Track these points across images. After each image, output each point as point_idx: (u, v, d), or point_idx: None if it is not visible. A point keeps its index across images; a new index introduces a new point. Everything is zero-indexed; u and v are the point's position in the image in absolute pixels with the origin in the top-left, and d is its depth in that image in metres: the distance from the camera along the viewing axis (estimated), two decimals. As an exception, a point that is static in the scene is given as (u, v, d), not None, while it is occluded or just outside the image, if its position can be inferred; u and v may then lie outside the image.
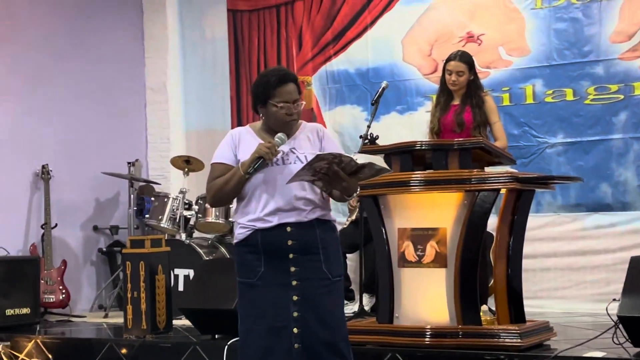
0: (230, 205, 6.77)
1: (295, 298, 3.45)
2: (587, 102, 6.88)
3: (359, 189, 3.62)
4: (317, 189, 3.53)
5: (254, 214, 3.51)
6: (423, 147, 4.89)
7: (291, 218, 3.47)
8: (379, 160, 3.50)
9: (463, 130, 5.49)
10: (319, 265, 3.49)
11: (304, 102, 3.67)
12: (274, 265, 3.48)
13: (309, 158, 3.43)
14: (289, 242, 3.46)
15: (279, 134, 3.52)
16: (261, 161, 3.45)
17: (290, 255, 3.47)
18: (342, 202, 3.68)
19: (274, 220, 3.47)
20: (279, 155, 3.50)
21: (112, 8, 8.42)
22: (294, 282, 3.46)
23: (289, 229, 3.46)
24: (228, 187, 3.53)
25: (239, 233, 3.56)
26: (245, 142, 3.60)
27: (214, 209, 7.18)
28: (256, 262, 3.50)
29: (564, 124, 6.95)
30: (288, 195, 3.47)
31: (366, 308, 6.25)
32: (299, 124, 3.66)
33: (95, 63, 8.17)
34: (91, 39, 8.17)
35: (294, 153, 3.54)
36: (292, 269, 3.47)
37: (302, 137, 3.61)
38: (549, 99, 7.02)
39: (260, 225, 3.49)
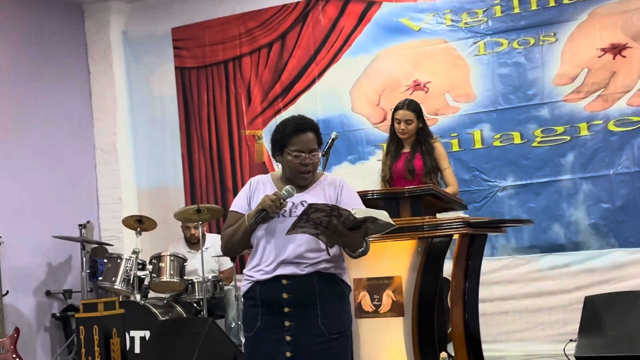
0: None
1: (288, 354, 3.34)
2: (534, 144, 6.97)
3: (366, 246, 3.41)
4: (322, 243, 3.39)
5: (255, 266, 3.43)
6: (375, 196, 4.88)
7: (288, 270, 3.35)
8: (383, 214, 3.30)
9: (414, 178, 5.51)
10: (315, 320, 3.34)
11: (321, 154, 3.57)
12: (269, 319, 3.38)
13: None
14: (284, 295, 3.34)
15: (287, 187, 3.41)
16: (264, 214, 3.36)
17: (286, 309, 3.35)
18: (354, 259, 3.48)
19: (271, 272, 3.37)
20: (288, 207, 3.41)
21: (58, 70, 8.38)
22: (288, 338, 3.34)
23: (284, 281, 3.35)
24: (236, 238, 3.46)
25: (243, 285, 3.49)
26: (261, 190, 3.52)
27: (168, 268, 7.11)
28: (255, 315, 3.42)
29: (513, 167, 7.03)
30: (288, 247, 3.37)
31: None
32: (318, 175, 3.56)
33: (44, 125, 8.10)
34: (39, 103, 8.11)
35: (303, 205, 3.36)
36: (287, 323, 3.35)
37: (318, 190, 3.50)
38: (497, 143, 7.10)
39: (258, 277, 3.40)
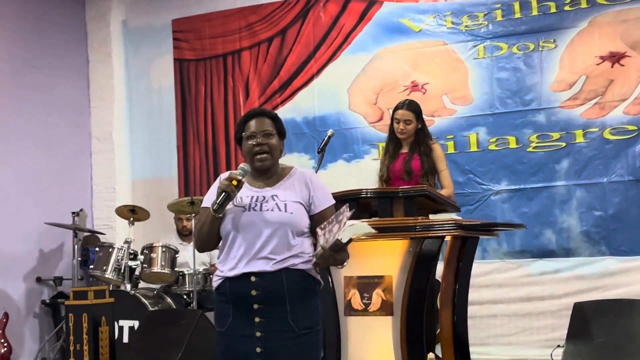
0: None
1: (258, 350, 3.33)
2: (529, 149, 6.99)
3: (348, 257, 3.35)
4: (292, 239, 3.37)
5: (225, 261, 3.42)
6: (369, 195, 4.90)
7: (257, 267, 3.34)
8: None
9: (411, 178, 5.51)
10: (285, 316, 3.34)
11: (281, 137, 3.54)
12: (240, 315, 3.37)
13: (289, 206, 3.36)
14: (253, 292, 3.33)
15: (242, 165, 3.42)
16: (225, 195, 3.33)
17: (255, 306, 3.34)
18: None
19: (240, 269, 3.36)
20: (258, 201, 3.40)
21: (57, 58, 8.37)
22: (258, 334, 3.34)
23: (253, 278, 3.33)
24: (204, 229, 3.43)
25: (214, 281, 3.48)
26: None
27: (159, 259, 7.11)
28: (226, 311, 3.41)
29: (507, 171, 7.05)
30: (256, 243, 3.36)
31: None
32: (288, 169, 3.56)
33: (41, 112, 8.10)
34: (36, 89, 8.11)
35: (274, 200, 3.41)
36: (257, 319, 3.34)
37: (288, 184, 3.49)
38: (492, 147, 7.11)
39: (228, 273, 3.39)
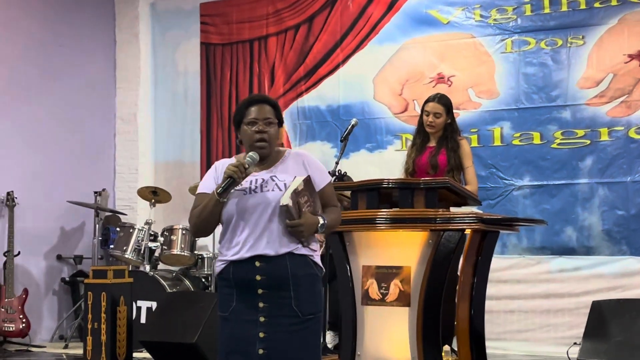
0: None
1: (261, 335, 3.31)
2: (553, 146, 6.95)
3: (323, 220, 3.41)
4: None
5: (228, 245, 3.40)
6: (390, 185, 4.89)
7: (261, 251, 3.32)
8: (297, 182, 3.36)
9: (437, 173, 5.47)
10: (289, 302, 3.33)
11: (280, 124, 3.52)
12: (243, 300, 3.35)
13: (288, 185, 3.34)
14: (258, 277, 3.32)
15: (250, 153, 3.40)
16: (230, 181, 3.31)
17: (259, 291, 3.33)
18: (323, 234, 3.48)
19: (244, 253, 3.34)
20: (258, 183, 3.39)
21: (85, 38, 8.42)
22: (262, 319, 3.32)
23: (257, 263, 3.32)
24: (205, 213, 3.38)
25: (217, 266, 3.46)
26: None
27: (179, 241, 7.15)
28: (230, 296, 3.39)
29: (530, 167, 7.01)
30: (260, 226, 3.34)
31: (329, 346, 6.22)
32: (282, 152, 3.54)
33: (67, 92, 8.15)
34: (63, 68, 8.16)
35: (273, 180, 3.40)
36: (261, 304, 3.33)
37: (285, 165, 3.48)
38: (516, 142, 7.08)
39: (232, 257, 3.37)
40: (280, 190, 3.35)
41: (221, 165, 3.51)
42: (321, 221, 3.39)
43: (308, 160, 3.52)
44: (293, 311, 3.33)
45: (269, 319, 3.33)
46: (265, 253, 3.32)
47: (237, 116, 3.51)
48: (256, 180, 3.40)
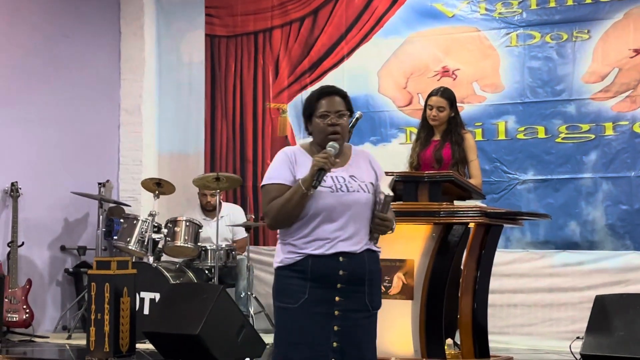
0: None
1: (336, 328, 3.34)
2: (558, 140, 6.94)
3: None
4: (369, 219, 3.42)
5: (306, 240, 3.38)
6: (394, 179, 4.88)
7: (346, 248, 3.35)
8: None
9: (441, 167, 5.47)
10: (363, 297, 3.39)
11: (351, 116, 3.52)
12: (319, 293, 3.35)
13: (369, 187, 3.40)
14: (340, 272, 3.34)
15: (332, 143, 3.38)
16: (323, 173, 3.31)
17: (338, 285, 3.34)
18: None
19: (329, 249, 3.34)
20: (340, 181, 3.39)
21: (90, 29, 8.41)
22: (337, 312, 3.34)
23: (341, 258, 3.34)
24: (290, 206, 3.34)
25: (287, 257, 3.40)
26: (300, 161, 3.45)
27: (183, 233, 7.15)
28: (301, 287, 3.36)
29: (534, 161, 7.01)
30: (349, 225, 3.37)
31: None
32: (349, 148, 3.54)
33: (71, 82, 8.15)
34: (68, 58, 8.15)
35: (355, 181, 3.41)
36: (337, 298, 3.35)
37: (357, 163, 3.50)
38: (520, 136, 7.07)
39: (311, 251, 3.35)
40: (365, 192, 3.39)
41: (292, 154, 3.48)
42: (394, 225, 3.47)
43: (373, 161, 3.56)
44: (365, 305, 3.39)
45: (344, 312, 3.35)
46: (350, 250, 3.36)
47: (308, 109, 3.49)
48: (337, 178, 3.39)
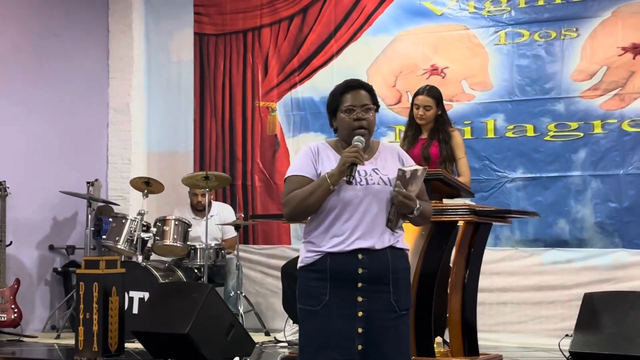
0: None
1: (360, 330, 3.20)
2: (547, 138, 6.96)
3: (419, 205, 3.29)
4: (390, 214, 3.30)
5: (324, 237, 3.27)
6: (383, 177, 4.87)
7: (365, 244, 3.21)
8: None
9: (429, 165, 5.46)
10: (388, 297, 3.23)
11: (377, 110, 3.42)
12: (340, 294, 3.23)
13: (392, 181, 3.26)
14: (360, 271, 3.20)
15: (358, 137, 3.28)
16: (355, 168, 3.20)
17: (359, 285, 3.21)
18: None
19: (347, 245, 3.22)
20: (362, 175, 3.28)
21: (78, 27, 8.38)
22: (360, 313, 3.20)
23: (360, 256, 3.21)
24: (312, 199, 3.24)
25: (307, 256, 3.31)
26: (325, 156, 3.38)
27: (172, 232, 7.14)
28: (321, 289, 3.25)
29: (524, 159, 7.02)
30: (365, 219, 3.24)
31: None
32: (377, 143, 3.45)
33: (60, 80, 8.12)
34: (56, 57, 8.13)
35: (377, 174, 3.30)
36: (360, 299, 3.21)
37: (383, 158, 3.39)
38: (509, 134, 7.08)
39: (330, 249, 3.24)
40: (386, 184, 3.27)
41: (316, 149, 3.41)
42: (418, 204, 3.27)
43: (403, 155, 3.46)
44: (391, 306, 3.24)
45: (368, 313, 3.22)
46: (369, 246, 3.22)
47: (333, 104, 3.41)
48: (358, 171, 3.28)
